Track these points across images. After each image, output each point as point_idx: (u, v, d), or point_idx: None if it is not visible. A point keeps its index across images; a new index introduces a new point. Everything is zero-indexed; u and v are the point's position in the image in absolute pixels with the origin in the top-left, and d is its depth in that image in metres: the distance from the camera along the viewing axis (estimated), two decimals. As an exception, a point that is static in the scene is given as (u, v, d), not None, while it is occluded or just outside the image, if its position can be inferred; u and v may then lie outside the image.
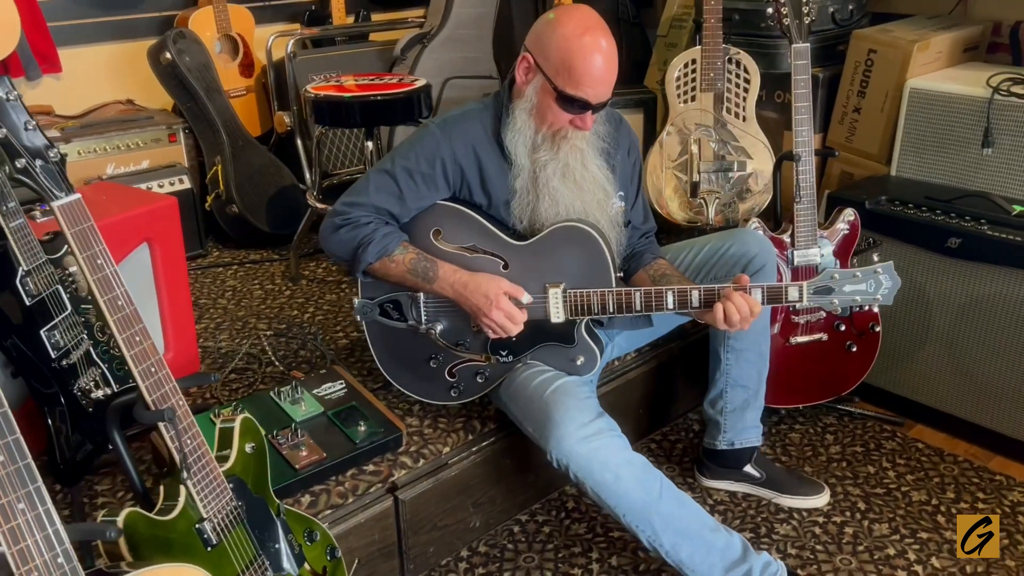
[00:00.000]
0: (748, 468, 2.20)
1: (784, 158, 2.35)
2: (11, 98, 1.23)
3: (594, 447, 1.74)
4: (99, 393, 1.79)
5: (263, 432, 1.52)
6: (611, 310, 1.87)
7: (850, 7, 2.82)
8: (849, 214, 2.33)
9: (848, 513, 2.12)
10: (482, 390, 2.00)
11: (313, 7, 3.65)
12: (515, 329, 1.84)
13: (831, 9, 2.79)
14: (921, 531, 2.06)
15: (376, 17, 3.77)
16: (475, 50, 3.46)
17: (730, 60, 2.72)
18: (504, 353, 1.95)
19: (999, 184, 2.39)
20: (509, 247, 1.90)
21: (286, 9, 3.64)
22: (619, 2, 3.53)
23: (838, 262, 2.33)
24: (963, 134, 2.43)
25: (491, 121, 1.91)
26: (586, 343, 1.93)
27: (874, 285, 1.80)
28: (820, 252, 2.30)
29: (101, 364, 1.82)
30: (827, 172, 2.82)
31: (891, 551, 2.00)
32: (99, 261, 1.27)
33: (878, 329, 2.37)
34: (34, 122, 1.24)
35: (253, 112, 3.50)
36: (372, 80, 2.74)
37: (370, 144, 2.62)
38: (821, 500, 2.16)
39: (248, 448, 1.48)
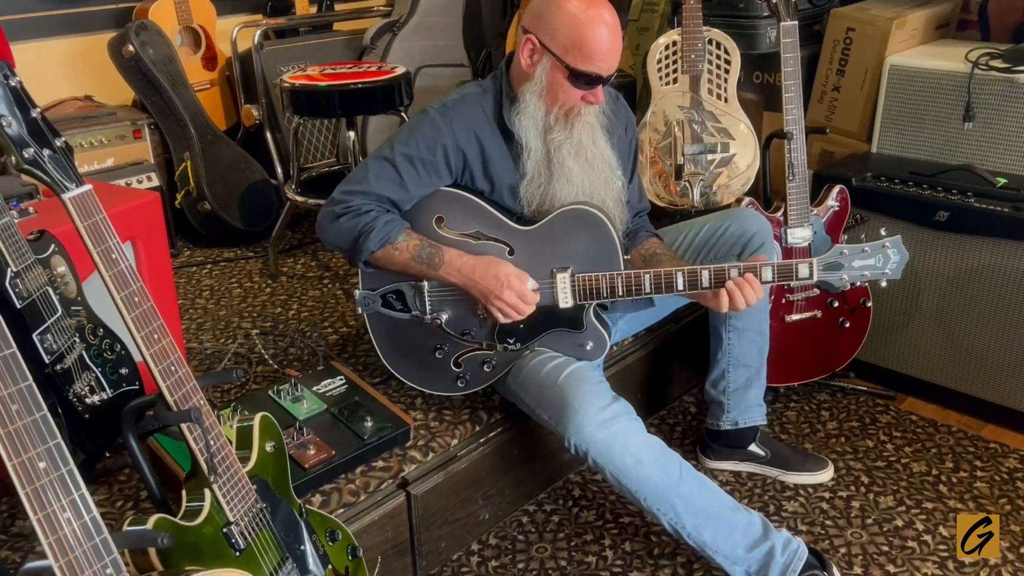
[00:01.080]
0: (753, 447, 2.20)
1: (775, 136, 2.36)
2: (13, 84, 1.15)
3: (613, 431, 1.72)
4: (94, 399, 1.70)
5: (281, 430, 1.47)
6: (620, 293, 1.85)
7: (824, -14, 2.85)
8: (839, 191, 2.35)
9: (853, 487, 2.14)
10: (489, 379, 1.96)
11: (275, -3, 3.55)
12: (528, 310, 1.81)
13: (807, -12, 2.81)
14: (926, 501, 2.08)
15: (339, 7, 3.68)
16: (446, 38, 3.41)
17: (710, 41, 2.72)
18: (512, 340, 1.91)
19: (980, 157, 2.43)
20: (514, 232, 1.86)
21: None
22: (588, -13, 3.49)
23: (830, 239, 2.35)
24: (944, 109, 2.47)
25: (491, 105, 1.87)
26: (595, 327, 1.90)
27: (883, 259, 1.81)
28: (812, 230, 2.31)
29: (95, 368, 1.73)
30: (807, 151, 2.83)
31: (899, 522, 2.02)
32: (114, 255, 1.20)
33: (869, 304, 2.40)
34: (39, 108, 1.17)
35: (218, 106, 3.39)
36: (351, 68, 2.67)
37: (351, 134, 2.55)
38: (826, 475, 2.17)
39: (269, 447, 1.42)
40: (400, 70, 2.61)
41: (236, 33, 3.29)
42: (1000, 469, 2.19)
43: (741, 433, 2.20)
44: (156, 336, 1.24)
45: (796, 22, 2.24)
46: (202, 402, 1.29)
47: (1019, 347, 2.26)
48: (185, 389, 1.27)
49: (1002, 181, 2.31)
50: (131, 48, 2.92)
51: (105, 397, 1.73)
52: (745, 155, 2.72)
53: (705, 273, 1.82)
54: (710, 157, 2.73)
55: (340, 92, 2.48)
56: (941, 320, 2.39)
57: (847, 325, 2.40)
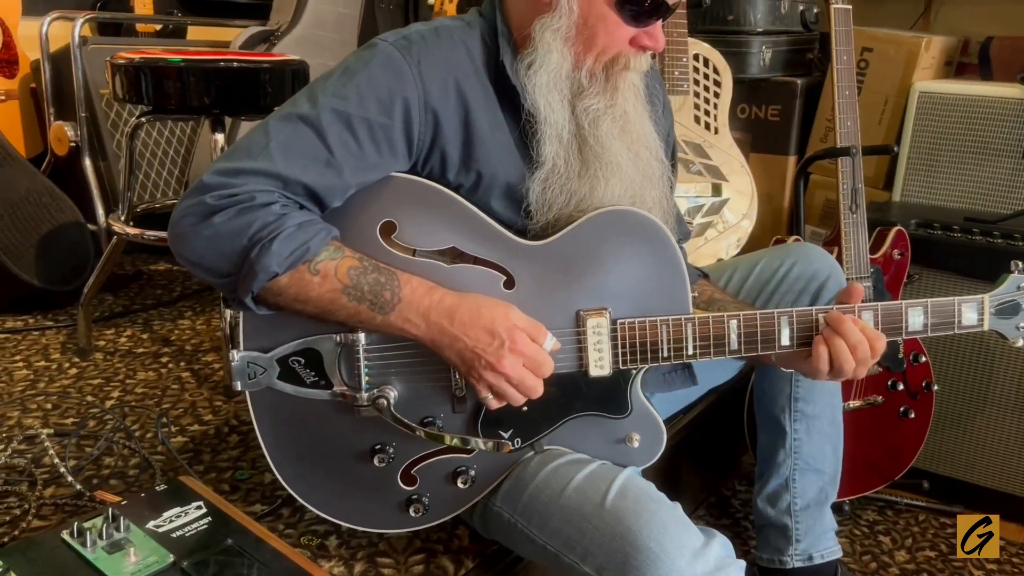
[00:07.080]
0: (834, 590, 1.50)
1: (819, 158, 1.78)
2: None
3: (723, 592, 0.97)
4: None
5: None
6: (691, 351, 1.13)
7: (816, 10, 2.37)
8: (897, 235, 1.77)
9: (976, 652, 1.48)
10: (463, 504, 1.16)
11: (106, -4, 2.73)
12: (538, 390, 1.05)
13: (801, 7, 2.31)
14: (1088, 670, 1.44)
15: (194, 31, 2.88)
16: (337, 58, 2.69)
17: (695, 57, 2.15)
18: (507, 434, 1.14)
19: (1043, 204, 1.94)
20: (515, 250, 1.12)
21: (65, -5, 2.67)
22: None
23: (891, 295, 1.75)
24: (992, 145, 1.98)
25: (479, 47, 1.15)
26: (644, 410, 1.16)
27: (1070, 296, 1.20)
28: (871, 284, 1.71)
29: None
30: (807, 202, 2.28)
31: None
32: None
33: (935, 388, 1.79)
34: None
35: (16, 126, 2.48)
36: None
37: (219, 137, 1.73)
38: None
39: None
40: (293, 57, 1.85)
41: (47, 26, 2.41)
42: None
43: (816, 572, 1.49)
44: None
45: (850, 6, 1.69)
46: None
47: None
48: None
49: (1088, 228, 1.81)
50: None
51: None
52: (741, 201, 2.13)
53: (822, 316, 1.14)
54: (698, 202, 2.11)
55: (207, 72, 1.67)
56: (1019, 411, 1.82)
57: (911, 416, 1.78)
